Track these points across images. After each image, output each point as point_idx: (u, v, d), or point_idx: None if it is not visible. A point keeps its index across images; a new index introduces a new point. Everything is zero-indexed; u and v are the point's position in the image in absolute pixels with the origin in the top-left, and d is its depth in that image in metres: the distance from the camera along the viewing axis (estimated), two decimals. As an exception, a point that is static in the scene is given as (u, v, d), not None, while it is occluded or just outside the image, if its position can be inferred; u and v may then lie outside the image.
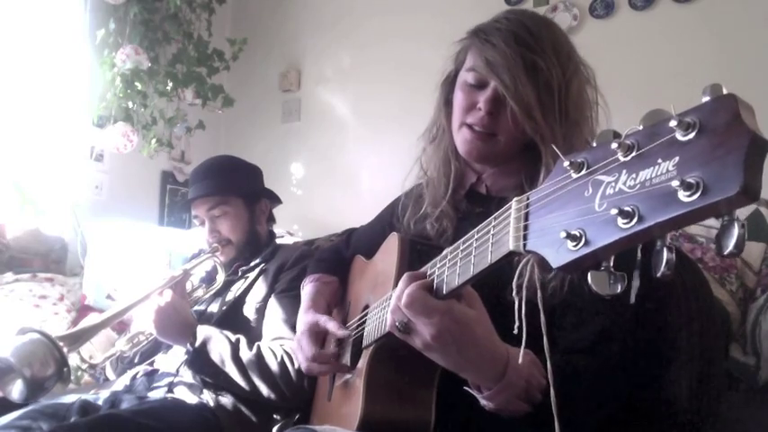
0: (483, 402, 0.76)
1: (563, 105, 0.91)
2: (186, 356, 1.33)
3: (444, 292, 0.68)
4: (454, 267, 0.67)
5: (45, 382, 1.13)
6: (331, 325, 1.06)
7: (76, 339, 1.25)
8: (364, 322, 0.96)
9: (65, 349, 1.17)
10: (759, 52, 2.00)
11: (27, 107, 2.41)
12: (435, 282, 0.70)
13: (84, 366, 1.39)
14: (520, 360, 0.66)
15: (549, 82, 0.90)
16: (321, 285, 1.22)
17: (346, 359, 1.02)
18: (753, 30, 2.03)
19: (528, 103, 0.90)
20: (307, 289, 1.23)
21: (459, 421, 0.87)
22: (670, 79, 2.12)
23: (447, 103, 1.06)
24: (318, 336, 1.09)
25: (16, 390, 1.12)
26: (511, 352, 0.73)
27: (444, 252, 0.70)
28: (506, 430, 0.80)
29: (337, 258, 1.31)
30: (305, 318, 1.13)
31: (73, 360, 1.27)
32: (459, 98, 1.00)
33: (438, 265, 0.71)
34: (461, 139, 1.00)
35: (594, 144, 0.49)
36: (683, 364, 1.02)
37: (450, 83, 1.05)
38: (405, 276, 0.72)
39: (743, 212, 1.47)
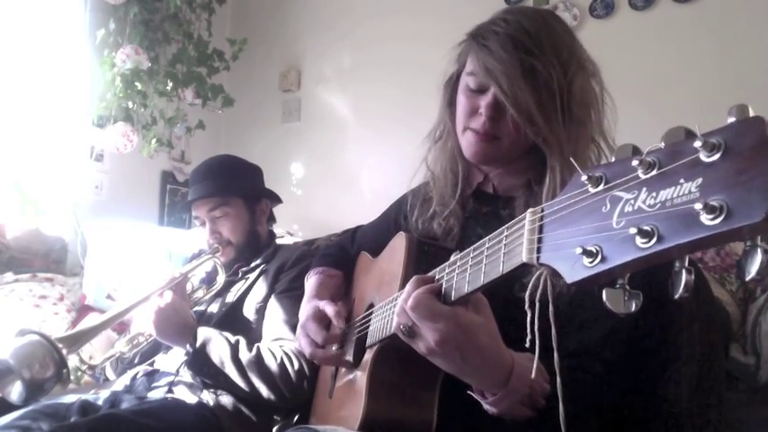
0: (486, 407, 0.76)
1: (566, 106, 0.90)
2: (186, 357, 1.33)
3: (453, 298, 0.67)
4: (464, 274, 0.66)
5: (44, 384, 1.13)
6: (329, 309, 1.06)
7: (76, 341, 1.25)
8: (369, 321, 0.96)
9: (64, 351, 1.17)
10: (759, 52, 2.00)
11: (27, 107, 2.41)
12: (444, 287, 0.69)
13: (84, 367, 1.39)
14: (533, 375, 0.65)
15: (550, 84, 0.88)
16: (325, 278, 1.21)
17: (349, 356, 1.02)
18: (753, 30, 2.03)
19: (528, 109, 0.89)
20: (311, 281, 1.22)
21: (461, 424, 0.87)
22: (670, 79, 2.12)
23: (451, 103, 1.05)
24: (324, 321, 1.09)
25: (15, 391, 1.11)
26: (516, 358, 0.73)
27: (453, 258, 0.70)
28: None
29: (342, 254, 1.32)
30: (308, 305, 1.13)
31: (73, 361, 1.27)
32: (461, 102, 1.00)
33: (447, 270, 0.70)
34: (466, 142, 1.00)
35: (613, 158, 0.48)
36: (683, 364, 1.02)
37: (452, 84, 1.05)
38: (413, 279, 0.72)
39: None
